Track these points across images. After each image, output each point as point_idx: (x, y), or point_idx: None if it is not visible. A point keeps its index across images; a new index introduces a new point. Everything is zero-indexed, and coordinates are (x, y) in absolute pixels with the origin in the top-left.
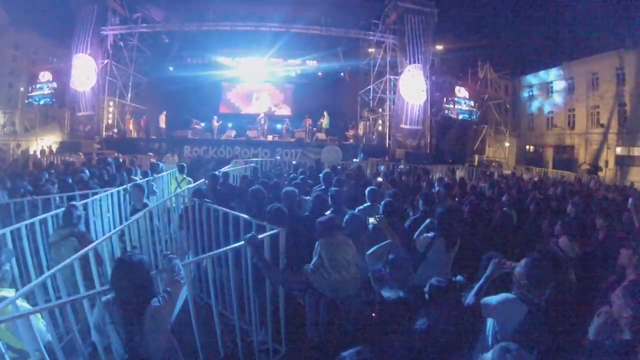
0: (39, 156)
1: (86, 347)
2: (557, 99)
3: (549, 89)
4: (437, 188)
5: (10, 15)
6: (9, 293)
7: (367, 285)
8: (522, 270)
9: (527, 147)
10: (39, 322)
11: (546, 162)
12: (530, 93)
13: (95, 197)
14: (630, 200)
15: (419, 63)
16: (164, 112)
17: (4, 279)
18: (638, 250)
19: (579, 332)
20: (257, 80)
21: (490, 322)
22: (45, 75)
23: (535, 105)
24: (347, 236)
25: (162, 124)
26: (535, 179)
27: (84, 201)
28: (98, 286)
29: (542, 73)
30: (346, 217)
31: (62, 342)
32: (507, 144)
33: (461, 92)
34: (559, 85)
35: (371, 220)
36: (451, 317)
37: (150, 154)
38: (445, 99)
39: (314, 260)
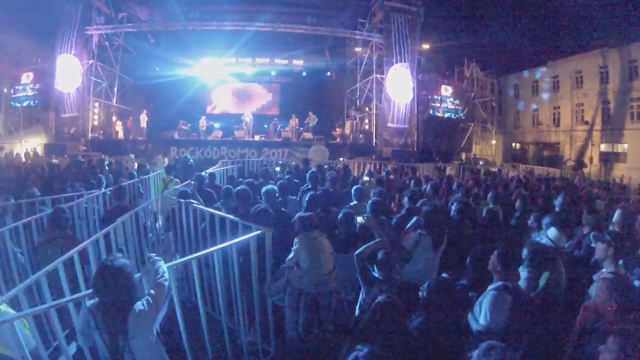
0: (23, 159)
1: (73, 353)
2: (542, 97)
3: (534, 87)
4: (425, 186)
5: None
6: None
7: (356, 285)
8: (495, 258)
9: (514, 144)
10: (25, 328)
11: (532, 159)
12: (516, 91)
13: (80, 199)
14: (617, 212)
15: (405, 62)
16: (144, 111)
17: None
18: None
19: (567, 324)
20: (243, 80)
21: (470, 317)
22: (28, 76)
23: (520, 103)
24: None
25: (143, 123)
26: (521, 176)
27: (70, 204)
28: (84, 290)
29: (527, 71)
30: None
31: (50, 348)
32: (493, 142)
33: (448, 90)
34: (544, 83)
35: (359, 219)
36: (449, 316)
37: (132, 155)
38: (431, 97)
39: (290, 256)
